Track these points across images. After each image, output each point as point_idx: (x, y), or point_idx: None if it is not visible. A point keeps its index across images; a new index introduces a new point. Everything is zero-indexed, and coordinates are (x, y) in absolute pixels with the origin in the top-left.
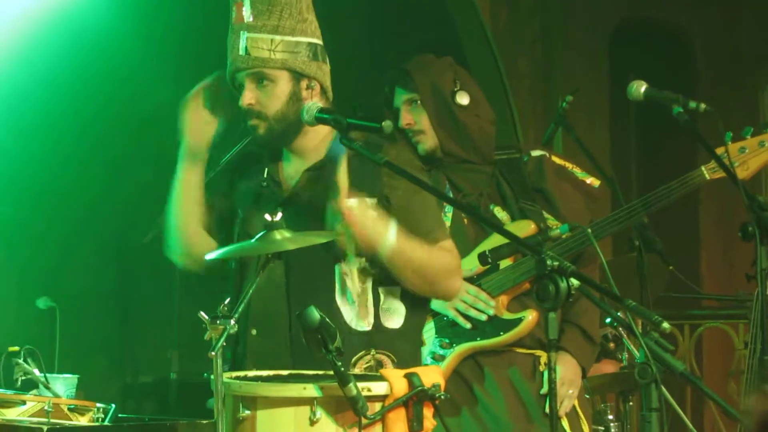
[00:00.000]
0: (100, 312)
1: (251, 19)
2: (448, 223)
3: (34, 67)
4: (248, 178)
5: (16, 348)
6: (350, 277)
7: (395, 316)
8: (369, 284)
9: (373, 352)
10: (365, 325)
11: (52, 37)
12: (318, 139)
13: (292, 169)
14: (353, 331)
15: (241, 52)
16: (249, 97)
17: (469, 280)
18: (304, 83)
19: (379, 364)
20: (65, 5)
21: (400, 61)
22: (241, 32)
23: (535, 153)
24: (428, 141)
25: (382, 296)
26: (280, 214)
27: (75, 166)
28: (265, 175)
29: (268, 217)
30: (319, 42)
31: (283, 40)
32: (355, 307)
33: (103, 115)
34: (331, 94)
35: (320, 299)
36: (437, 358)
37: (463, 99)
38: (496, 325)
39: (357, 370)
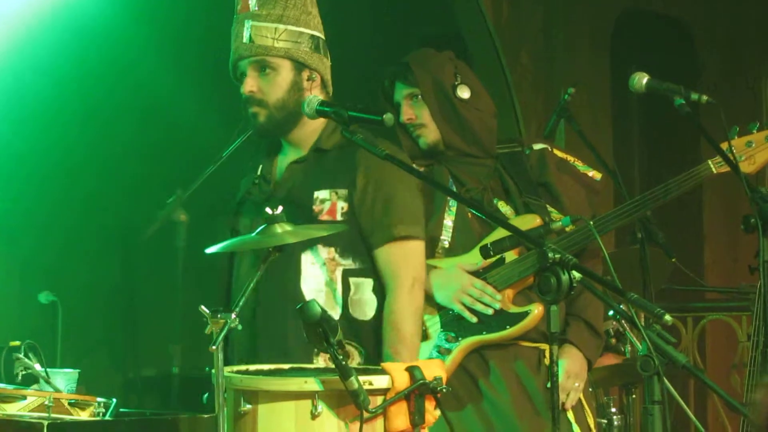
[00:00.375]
0: (102, 306)
1: (256, 8)
2: (452, 218)
3: (35, 59)
4: (247, 176)
5: (17, 343)
6: (318, 265)
7: (365, 308)
8: (338, 274)
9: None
10: (333, 314)
11: (54, 27)
12: (312, 132)
13: (285, 162)
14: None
15: (245, 40)
16: (251, 84)
17: (475, 274)
18: (305, 74)
19: (346, 355)
20: None
21: (401, 55)
22: (246, 21)
23: (537, 146)
24: (430, 135)
25: (352, 287)
26: (281, 208)
27: (76, 158)
28: (258, 173)
29: (269, 210)
30: (322, 36)
31: (286, 29)
32: (322, 296)
33: (105, 107)
34: (331, 89)
35: (288, 289)
36: (443, 352)
37: (463, 92)
38: (502, 319)
39: (321, 360)
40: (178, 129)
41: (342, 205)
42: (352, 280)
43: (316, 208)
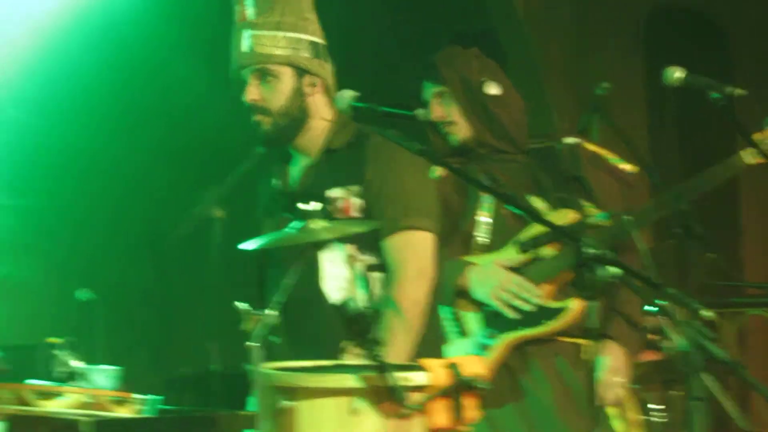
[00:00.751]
0: (139, 304)
1: (254, 17)
2: (487, 214)
3: (68, 58)
4: (262, 186)
5: (57, 339)
6: (338, 264)
7: None
8: (358, 270)
9: None
10: None
11: (86, 27)
12: (317, 137)
13: (297, 170)
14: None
15: (245, 49)
16: (253, 92)
17: (513, 270)
18: (307, 80)
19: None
20: None
21: (429, 51)
22: (245, 30)
23: (569, 141)
24: (460, 132)
25: (375, 282)
26: (317, 204)
27: (113, 156)
28: (273, 185)
29: (303, 206)
30: (321, 41)
31: (285, 36)
32: (344, 293)
33: (138, 106)
34: (334, 93)
35: (309, 290)
36: (483, 349)
37: (492, 89)
38: (541, 315)
39: (349, 356)
40: (212, 127)
41: (357, 202)
42: (373, 275)
43: (330, 208)
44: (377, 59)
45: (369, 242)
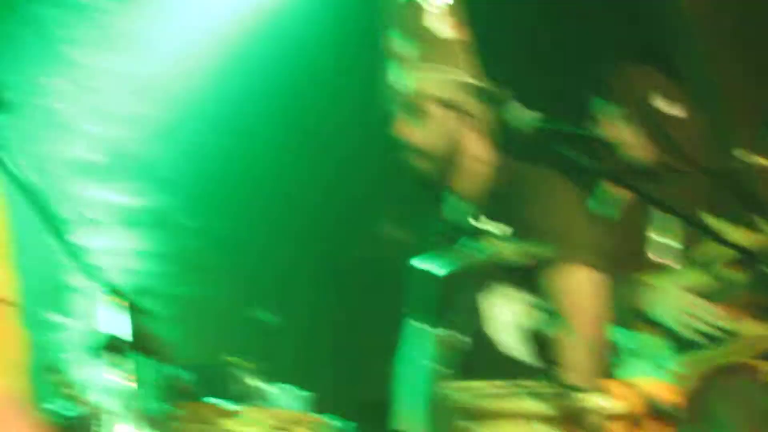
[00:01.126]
0: (324, 325)
1: (405, 52)
2: (665, 235)
3: (253, 77)
4: (420, 227)
5: (237, 359)
6: (499, 305)
7: None
8: (520, 309)
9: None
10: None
11: (272, 45)
12: (472, 177)
13: (454, 213)
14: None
15: (398, 86)
16: (406, 131)
17: (694, 291)
18: (460, 119)
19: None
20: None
21: (600, 66)
22: (398, 67)
23: (748, 158)
24: (635, 152)
25: (536, 320)
26: (498, 224)
27: (296, 177)
28: (436, 225)
29: (485, 226)
30: (476, 82)
31: (439, 74)
32: (508, 333)
33: (323, 127)
34: (487, 134)
35: (472, 332)
36: (666, 372)
37: (668, 108)
38: (726, 338)
39: None
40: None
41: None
42: (534, 312)
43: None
44: (545, 76)
45: (529, 281)
